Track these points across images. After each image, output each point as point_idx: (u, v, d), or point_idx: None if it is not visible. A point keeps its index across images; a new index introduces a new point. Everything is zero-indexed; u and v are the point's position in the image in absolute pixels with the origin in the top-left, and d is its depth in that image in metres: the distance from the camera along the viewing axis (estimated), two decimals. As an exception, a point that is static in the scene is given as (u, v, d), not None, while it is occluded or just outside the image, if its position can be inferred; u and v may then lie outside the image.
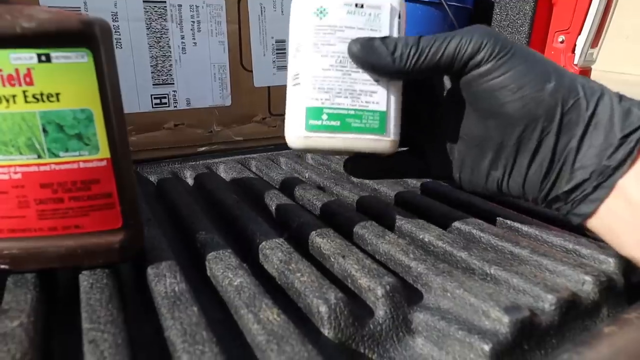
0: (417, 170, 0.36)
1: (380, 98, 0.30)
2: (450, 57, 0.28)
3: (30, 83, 0.23)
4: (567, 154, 0.28)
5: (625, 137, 0.26)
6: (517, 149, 0.29)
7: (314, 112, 0.30)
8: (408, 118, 0.33)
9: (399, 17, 0.30)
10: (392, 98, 0.30)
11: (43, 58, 0.23)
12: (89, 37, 0.24)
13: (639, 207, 0.26)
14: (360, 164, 0.36)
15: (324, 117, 0.30)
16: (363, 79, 0.30)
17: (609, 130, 0.27)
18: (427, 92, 0.34)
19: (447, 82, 0.34)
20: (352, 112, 0.30)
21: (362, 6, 0.30)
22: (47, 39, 0.23)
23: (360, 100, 0.30)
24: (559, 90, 0.28)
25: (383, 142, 0.31)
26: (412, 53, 0.28)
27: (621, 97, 0.28)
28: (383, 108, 0.30)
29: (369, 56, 0.29)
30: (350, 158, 0.36)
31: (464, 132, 0.31)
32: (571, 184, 0.28)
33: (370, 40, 0.29)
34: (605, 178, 0.27)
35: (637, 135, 0.26)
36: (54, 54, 0.23)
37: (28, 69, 0.23)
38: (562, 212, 0.30)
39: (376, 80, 0.30)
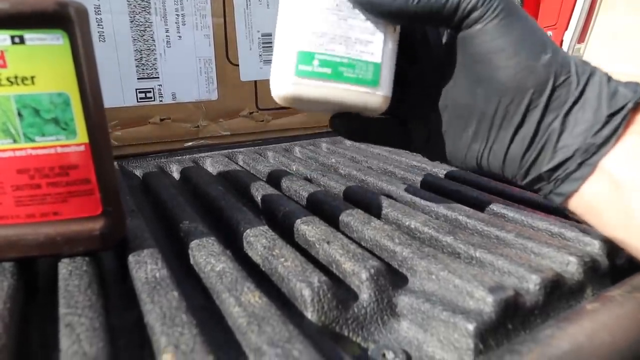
0: (399, 140, 0.35)
1: (375, 49, 0.29)
2: (456, 3, 0.27)
3: (4, 65, 0.23)
4: (551, 132, 0.27)
5: (611, 115, 0.26)
6: (501, 121, 0.29)
7: (305, 57, 0.28)
8: (396, 82, 0.32)
9: None
10: (388, 51, 0.29)
11: (17, 40, 0.23)
12: (64, 18, 0.23)
13: (622, 186, 0.26)
14: (346, 121, 0.34)
15: (315, 62, 0.28)
16: (360, 27, 0.28)
17: (596, 109, 0.26)
18: (420, 53, 0.33)
19: (442, 48, 0.32)
20: (346, 61, 0.28)
21: None
22: (20, 20, 0.23)
23: (354, 49, 0.29)
24: (553, 64, 0.27)
25: (375, 96, 0.29)
26: None
27: (609, 78, 0.27)
28: (378, 60, 0.29)
29: None
30: (337, 114, 0.34)
31: (449, 100, 0.30)
32: (553, 163, 0.28)
33: None
34: (589, 155, 0.27)
35: (623, 113, 0.26)
36: (28, 35, 0.23)
37: (1, 51, 0.23)
38: (544, 192, 0.29)
39: (373, 30, 0.29)
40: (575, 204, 0.28)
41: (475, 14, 0.27)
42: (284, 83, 0.29)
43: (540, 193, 0.30)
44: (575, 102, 0.27)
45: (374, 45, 0.29)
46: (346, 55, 0.28)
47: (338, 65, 0.28)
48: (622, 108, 0.26)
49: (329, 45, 0.28)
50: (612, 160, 0.26)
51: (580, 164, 0.27)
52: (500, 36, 0.27)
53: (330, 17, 0.28)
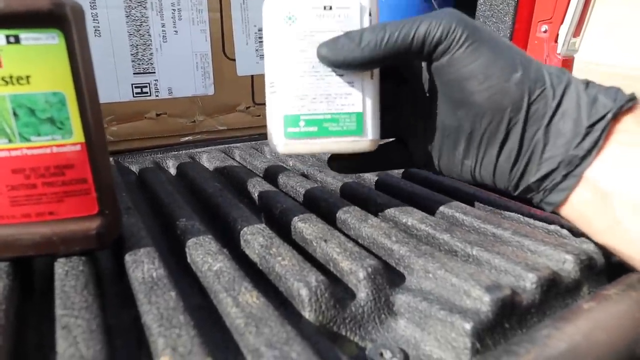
0: (400, 160, 0.36)
1: (355, 99, 0.30)
2: (421, 40, 0.28)
3: (-1, 65, 0.23)
4: (535, 144, 0.28)
5: (591, 126, 0.26)
6: (486, 139, 0.29)
7: (291, 120, 0.30)
8: (388, 110, 0.33)
9: (370, 14, 0.30)
10: (368, 97, 0.31)
11: (12, 39, 0.22)
12: (60, 17, 0.23)
13: (607, 195, 0.26)
14: (343, 161, 0.36)
15: (302, 123, 0.30)
16: (337, 82, 0.30)
17: (576, 119, 0.27)
18: (405, 83, 0.34)
19: (424, 73, 0.34)
20: (329, 117, 0.30)
21: (330, 8, 0.29)
22: (16, 19, 0.22)
23: (335, 104, 0.30)
24: (525, 81, 0.27)
25: (362, 142, 0.31)
26: (379, 39, 0.28)
27: (588, 84, 0.28)
28: (359, 109, 0.30)
29: (337, 54, 0.29)
30: (333, 156, 0.36)
31: (439, 122, 0.31)
32: (539, 174, 0.28)
33: (336, 39, 0.29)
34: (573, 167, 0.27)
35: (603, 123, 0.26)
36: (23, 35, 0.23)
37: (-4, 51, 0.22)
38: (535, 201, 0.30)
39: (350, 82, 0.30)
40: (566, 213, 0.29)
41: (441, 47, 0.28)
42: (277, 144, 0.31)
43: (532, 202, 0.31)
44: (554, 114, 0.27)
45: (353, 96, 0.30)
46: (329, 112, 0.30)
47: (322, 122, 0.30)
48: (601, 118, 0.26)
49: (312, 106, 0.30)
50: (596, 171, 0.27)
51: (565, 176, 0.27)
52: (469, 63, 0.28)
53: (309, 79, 0.30)
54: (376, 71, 0.31)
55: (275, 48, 0.30)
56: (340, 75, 0.30)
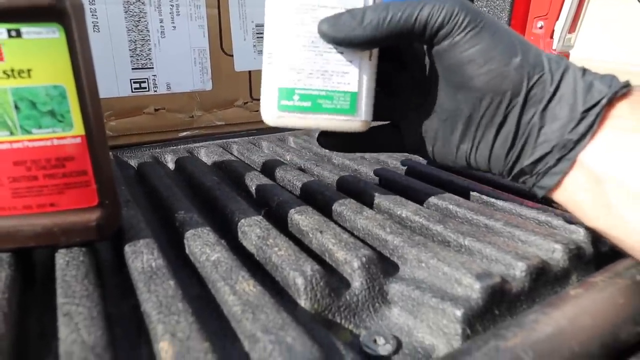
0: (391, 144, 0.37)
1: (351, 79, 0.30)
2: (423, 23, 0.28)
3: (1, 59, 0.23)
4: (531, 127, 0.28)
5: (586, 111, 0.27)
6: (484, 122, 0.30)
7: (286, 93, 0.30)
8: (383, 92, 0.34)
9: None
10: (364, 78, 0.31)
11: (13, 33, 0.23)
12: (60, 12, 0.23)
13: (600, 180, 0.27)
14: (334, 138, 0.36)
15: (296, 97, 0.30)
16: (335, 59, 0.30)
17: (572, 104, 0.27)
18: (404, 66, 0.35)
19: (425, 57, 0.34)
20: (324, 93, 0.30)
21: None
22: (17, 13, 0.23)
23: (332, 81, 0.30)
24: (525, 65, 0.28)
25: (354, 122, 0.31)
26: (381, 18, 0.28)
27: (585, 71, 0.28)
28: (354, 89, 0.31)
29: (338, 31, 0.29)
30: (324, 132, 0.36)
31: (437, 106, 0.32)
32: (533, 158, 0.29)
33: (338, 15, 0.29)
34: (567, 151, 0.27)
35: (598, 109, 0.27)
36: (24, 29, 0.23)
37: (-2, 45, 0.23)
38: (528, 185, 0.31)
39: (349, 61, 0.30)
40: (559, 197, 0.29)
41: (442, 31, 0.28)
42: (269, 115, 0.31)
43: (525, 186, 0.31)
44: (551, 98, 0.28)
45: (350, 75, 0.30)
46: (324, 88, 0.30)
47: (317, 98, 0.30)
48: (596, 104, 0.27)
49: (308, 80, 0.30)
50: (590, 155, 0.27)
51: (559, 159, 0.28)
52: (469, 48, 0.28)
53: (308, 54, 0.30)
54: (375, 52, 0.31)
55: (276, 19, 0.30)
56: (339, 53, 0.30)
